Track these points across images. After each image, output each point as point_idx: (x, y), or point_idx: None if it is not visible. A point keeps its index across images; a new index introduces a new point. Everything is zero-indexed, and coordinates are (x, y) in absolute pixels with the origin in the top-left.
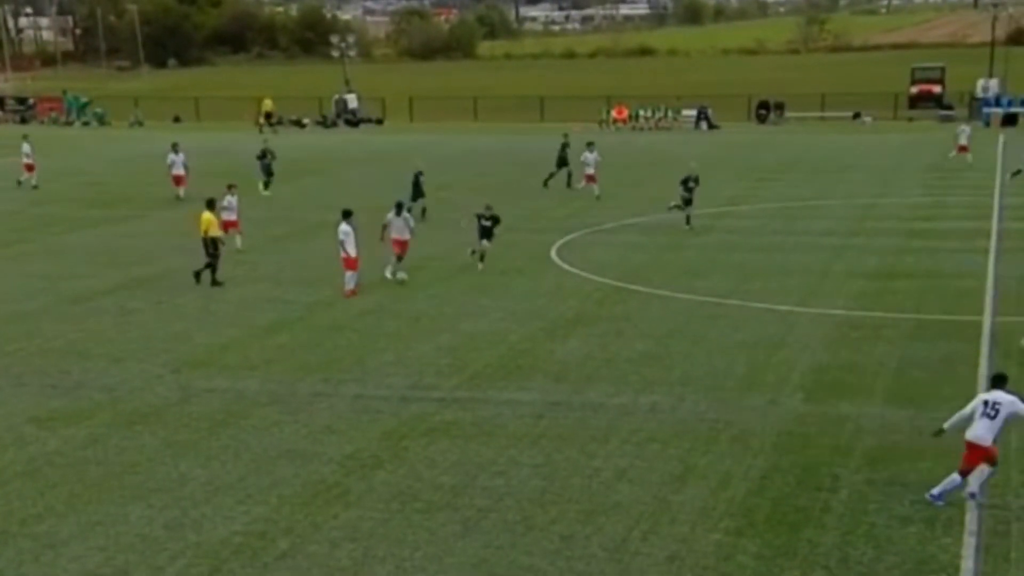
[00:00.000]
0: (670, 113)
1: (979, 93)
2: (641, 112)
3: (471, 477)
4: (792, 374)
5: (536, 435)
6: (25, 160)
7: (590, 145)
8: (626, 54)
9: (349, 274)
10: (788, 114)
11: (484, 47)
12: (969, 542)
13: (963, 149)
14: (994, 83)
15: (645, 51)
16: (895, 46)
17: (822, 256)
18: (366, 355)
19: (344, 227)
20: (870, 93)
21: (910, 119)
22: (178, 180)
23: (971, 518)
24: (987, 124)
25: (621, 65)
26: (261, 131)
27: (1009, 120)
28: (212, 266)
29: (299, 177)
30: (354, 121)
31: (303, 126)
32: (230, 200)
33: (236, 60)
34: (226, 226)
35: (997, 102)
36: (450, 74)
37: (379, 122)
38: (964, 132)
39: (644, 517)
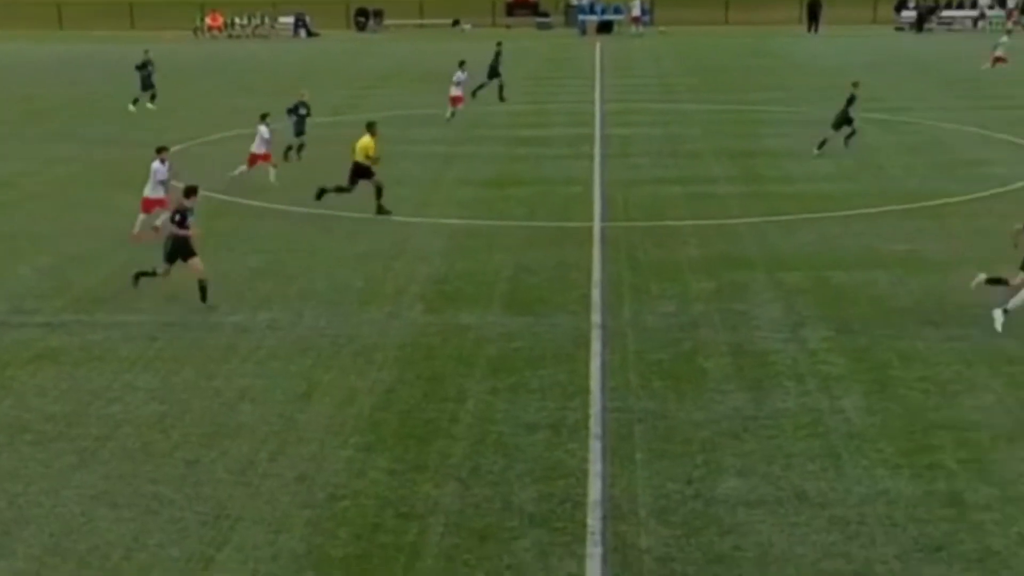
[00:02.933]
0: (267, 20)
1: (574, 1)
2: (237, 20)
3: (84, 405)
4: (411, 285)
5: (150, 358)
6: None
7: None
8: None
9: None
10: (387, 21)
11: None
12: (595, 446)
13: (1000, 60)
14: None
15: None
16: None
17: (433, 165)
18: None
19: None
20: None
21: (508, 26)
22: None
23: (595, 422)
24: (583, 32)
25: None
26: None
27: (604, 27)
28: None
29: None
30: None
31: None
32: None
33: None
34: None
35: (592, 10)
36: None
37: None
38: (1002, 43)
39: (270, 437)
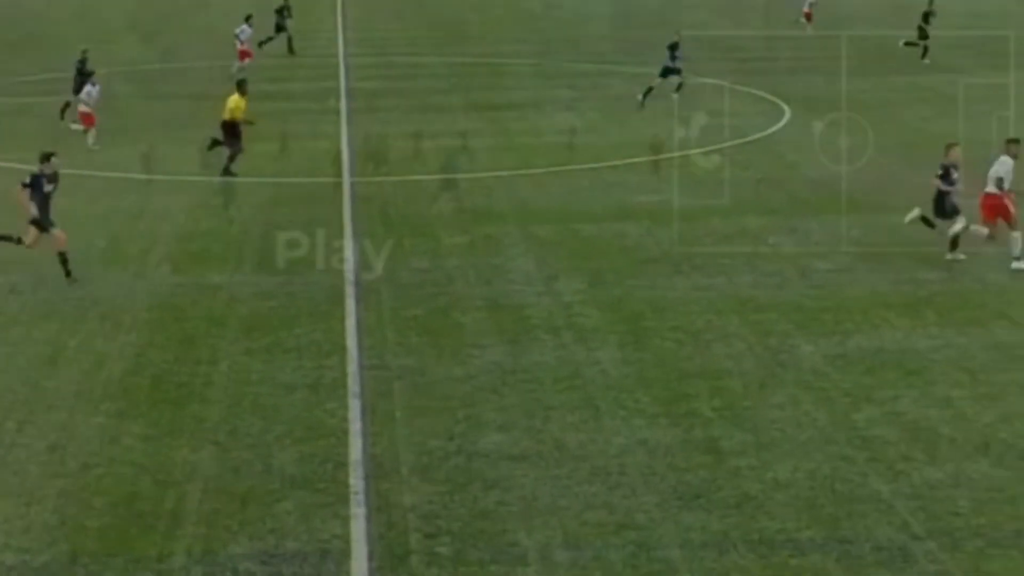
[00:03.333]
0: None
1: None
2: None
3: None
4: (156, 245)
5: None
6: None
7: None
8: None
9: None
10: None
11: None
12: (354, 405)
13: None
14: None
15: None
16: None
17: (175, 121)
18: None
19: None
20: None
21: None
22: None
23: (353, 380)
24: None
25: None
26: None
27: None
28: None
29: None
30: None
31: None
32: None
33: None
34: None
35: None
36: None
37: None
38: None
39: (17, 406)
